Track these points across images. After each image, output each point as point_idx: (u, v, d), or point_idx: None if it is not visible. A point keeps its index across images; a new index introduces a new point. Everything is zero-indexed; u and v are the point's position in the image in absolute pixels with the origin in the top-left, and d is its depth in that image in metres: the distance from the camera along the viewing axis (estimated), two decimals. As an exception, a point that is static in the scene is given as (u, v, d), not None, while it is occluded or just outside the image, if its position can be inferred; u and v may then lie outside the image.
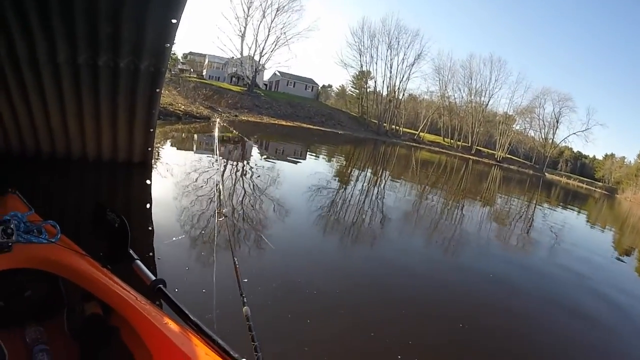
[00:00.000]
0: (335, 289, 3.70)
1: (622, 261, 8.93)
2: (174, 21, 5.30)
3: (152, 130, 6.66)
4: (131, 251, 1.93)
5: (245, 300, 1.44)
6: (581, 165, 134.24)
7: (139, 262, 1.86)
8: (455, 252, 6.21)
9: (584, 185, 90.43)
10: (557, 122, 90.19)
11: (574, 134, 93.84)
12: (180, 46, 64.62)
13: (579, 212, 19.28)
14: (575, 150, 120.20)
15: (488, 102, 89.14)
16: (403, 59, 76.56)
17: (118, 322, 1.63)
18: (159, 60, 5.75)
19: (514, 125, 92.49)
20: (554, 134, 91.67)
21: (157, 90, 6.13)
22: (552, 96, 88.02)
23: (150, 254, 3.49)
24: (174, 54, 76.47)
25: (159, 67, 5.84)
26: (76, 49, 5.35)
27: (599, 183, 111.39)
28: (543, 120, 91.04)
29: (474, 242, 7.04)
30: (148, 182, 6.33)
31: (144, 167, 6.86)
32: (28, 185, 4.98)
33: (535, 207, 15.98)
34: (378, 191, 9.83)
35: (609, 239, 12.63)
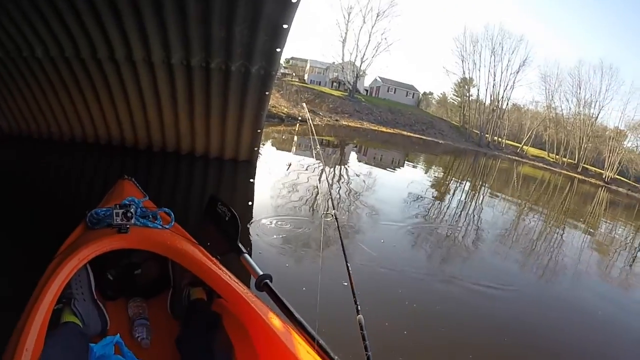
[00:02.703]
0: (435, 306, 3.55)
1: None
2: (285, 26, 5.48)
3: (259, 130, 6.95)
4: (240, 244, 2.00)
5: (359, 308, 1.41)
6: None
7: (247, 255, 1.92)
8: (552, 281, 5.64)
9: None
10: None
11: None
12: (283, 51, 67.39)
13: None
14: None
15: (598, 114, 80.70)
16: (507, 65, 72.34)
17: (221, 310, 1.68)
18: (269, 63, 5.97)
19: (625, 142, 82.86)
20: None
21: (267, 92, 6.38)
22: None
23: (250, 248, 3.61)
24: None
25: (269, 70, 6.06)
26: (190, 52, 5.76)
27: None
28: None
29: (581, 271, 6.37)
30: (252, 180, 6.58)
31: (249, 166, 7.17)
32: (142, 174, 5.40)
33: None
34: (475, 207, 9.37)
35: None
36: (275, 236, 4.12)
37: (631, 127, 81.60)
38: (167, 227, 1.89)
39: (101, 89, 6.47)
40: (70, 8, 5.26)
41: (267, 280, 1.70)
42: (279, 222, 4.68)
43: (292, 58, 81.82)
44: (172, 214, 2.03)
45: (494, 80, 73.41)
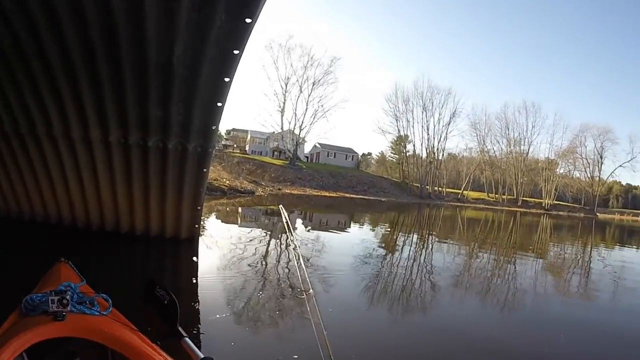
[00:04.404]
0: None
1: None
2: (219, 104, 5.67)
3: (199, 208, 6.91)
4: (180, 328, 1.98)
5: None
6: (633, 198, 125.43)
7: (187, 339, 1.90)
8: (511, 309, 5.82)
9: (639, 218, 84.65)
10: (601, 157, 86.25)
11: (620, 166, 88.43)
12: (224, 123, 68.07)
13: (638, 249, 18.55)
14: (624, 183, 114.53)
15: (528, 149, 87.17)
16: (439, 119, 77.20)
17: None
18: (206, 140, 6.08)
19: (557, 170, 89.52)
20: (599, 170, 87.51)
21: (204, 170, 6.43)
22: (591, 132, 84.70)
23: (196, 329, 3.49)
24: (218, 130, 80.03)
25: (206, 147, 6.16)
26: (127, 130, 5.80)
27: None
28: (586, 159, 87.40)
29: (538, 298, 6.60)
30: (195, 259, 6.46)
31: (191, 243, 7.04)
32: (79, 255, 5.15)
33: (591, 253, 15.28)
34: (425, 256, 9.58)
35: None
36: (221, 315, 4.00)
37: (560, 155, 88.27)
38: (104, 313, 1.85)
39: (38, 166, 6.42)
40: (10, 82, 5.32)
41: None
42: (228, 299, 4.57)
43: (233, 129, 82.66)
44: (109, 299, 1.98)
45: (428, 134, 77.37)
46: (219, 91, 5.52)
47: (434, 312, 5.33)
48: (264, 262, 6.72)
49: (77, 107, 5.55)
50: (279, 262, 6.91)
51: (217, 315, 3.94)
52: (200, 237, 7.54)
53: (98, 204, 6.78)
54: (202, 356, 1.74)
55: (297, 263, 2.73)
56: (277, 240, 9.08)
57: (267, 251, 7.61)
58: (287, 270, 6.30)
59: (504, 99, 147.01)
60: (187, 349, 1.85)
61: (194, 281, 5.25)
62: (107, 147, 6.00)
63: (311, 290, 2.46)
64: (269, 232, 10.14)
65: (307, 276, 2.49)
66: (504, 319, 5.28)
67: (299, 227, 12.60)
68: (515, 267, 9.38)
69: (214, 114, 5.83)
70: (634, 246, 19.73)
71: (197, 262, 6.27)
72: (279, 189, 38.81)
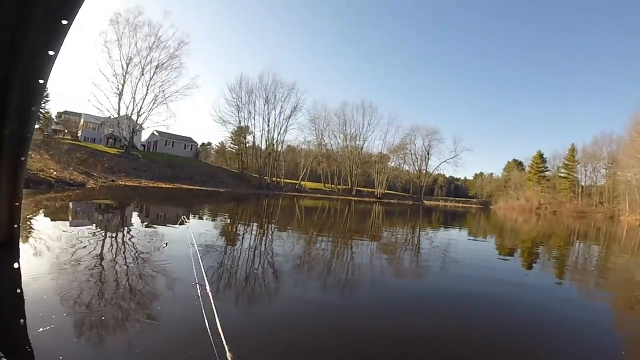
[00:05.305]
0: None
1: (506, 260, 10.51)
2: (41, 82, 4.82)
3: (17, 204, 5.86)
4: None
5: None
6: (455, 188, 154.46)
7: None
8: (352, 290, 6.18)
9: (460, 205, 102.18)
10: (428, 154, 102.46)
11: (445, 161, 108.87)
12: (54, 104, 60.33)
13: (460, 228, 22.03)
14: (447, 175, 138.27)
15: (363, 145, 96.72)
16: (280, 112, 79.63)
17: None
18: (24, 124, 5.15)
19: (389, 163, 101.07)
20: (426, 165, 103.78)
21: (22, 158, 5.46)
22: (421, 132, 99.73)
23: (24, 346, 3.01)
24: (47, 112, 70.26)
25: (25, 132, 5.22)
26: None
27: (473, 200, 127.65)
28: (415, 155, 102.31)
29: (374, 275, 7.24)
30: (16, 265, 5.47)
31: (11, 248, 5.96)
32: None
33: (419, 233, 17.49)
34: (267, 244, 9.77)
35: (492, 245, 15.03)
36: (41, 329, 3.43)
37: (392, 150, 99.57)
38: None
39: None
40: None
41: None
42: (61, 309, 4.03)
43: (65, 112, 74.28)
44: None
45: (269, 126, 79.46)
46: (41, 66, 4.68)
47: (279, 299, 5.32)
48: (100, 264, 5.99)
49: None
50: (115, 262, 6.24)
51: (45, 328, 3.44)
52: (22, 240, 6.59)
53: None
54: None
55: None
56: (113, 239, 8.30)
57: (101, 252, 6.85)
58: (125, 268, 5.89)
59: (344, 98, 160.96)
60: None
61: (18, 291, 4.46)
62: None
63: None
64: (103, 230, 9.24)
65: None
66: (344, 299, 5.62)
67: (134, 222, 12.07)
68: (352, 249, 10.04)
69: (35, 94, 4.92)
70: (456, 227, 23.34)
71: (19, 270, 5.32)
72: (113, 181, 36.12)
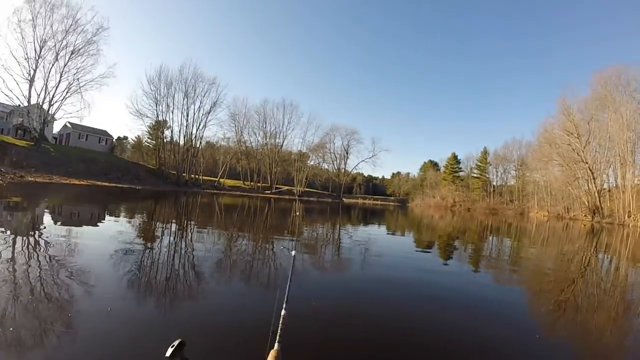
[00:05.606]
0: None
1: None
2: None
3: None
4: None
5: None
6: (373, 186, 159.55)
7: None
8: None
9: (379, 202, 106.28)
10: (347, 153, 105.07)
11: (363, 161, 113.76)
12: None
13: (379, 225, 23.24)
14: (366, 174, 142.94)
15: (283, 143, 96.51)
16: (200, 107, 77.30)
17: None
18: None
19: (308, 162, 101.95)
20: (345, 164, 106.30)
21: None
22: (340, 132, 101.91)
23: None
24: None
25: None
26: None
27: (391, 198, 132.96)
28: (334, 154, 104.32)
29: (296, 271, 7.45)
30: None
31: None
32: None
33: (340, 230, 18.26)
34: (187, 244, 9.79)
35: (411, 240, 16.20)
36: None
37: (312, 149, 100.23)
38: None
39: None
40: None
41: None
42: None
43: (-32, 99, 66.53)
44: None
45: (187, 121, 76.74)
46: None
47: (200, 300, 5.45)
48: (10, 269, 5.87)
49: None
50: (29, 265, 6.17)
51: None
52: None
53: None
54: None
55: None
56: (24, 242, 8.05)
57: (13, 255, 6.70)
58: (39, 272, 5.80)
59: (265, 95, 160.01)
60: None
61: None
62: None
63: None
64: (13, 232, 8.90)
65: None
66: (266, 295, 5.77)
67: (47, 223, 11.30)
68: (273, 247, 10.40)
69: None
70: (375, 224, 24.61)
71: None
72: (21, 177, 33.49)
